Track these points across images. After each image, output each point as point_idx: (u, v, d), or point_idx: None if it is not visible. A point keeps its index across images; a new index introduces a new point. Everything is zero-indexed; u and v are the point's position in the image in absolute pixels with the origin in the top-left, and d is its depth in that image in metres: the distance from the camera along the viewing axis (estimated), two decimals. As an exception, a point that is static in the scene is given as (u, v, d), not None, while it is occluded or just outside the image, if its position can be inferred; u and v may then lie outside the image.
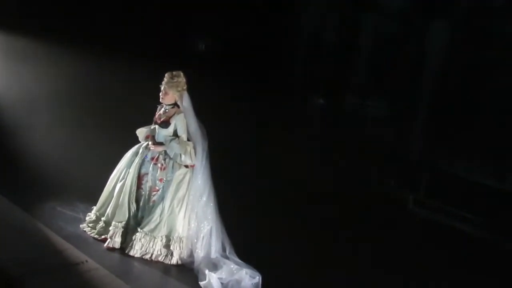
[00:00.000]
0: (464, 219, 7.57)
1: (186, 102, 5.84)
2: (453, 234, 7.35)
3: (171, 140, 5.82)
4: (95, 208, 6.11)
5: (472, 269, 6.25)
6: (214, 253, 5.74)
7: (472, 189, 7.73)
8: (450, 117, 7.97)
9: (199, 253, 5.71)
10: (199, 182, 5.80)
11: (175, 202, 5.79)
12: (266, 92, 8.29)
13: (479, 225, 7.43)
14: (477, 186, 7.75)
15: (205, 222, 5.78)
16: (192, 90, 5.88)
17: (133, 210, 5.87)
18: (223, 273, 5.52)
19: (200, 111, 5.88)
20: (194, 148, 5.82)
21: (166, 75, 5.85)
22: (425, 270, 6.24)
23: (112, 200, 5.92)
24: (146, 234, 5.73)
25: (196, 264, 5.67)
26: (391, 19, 8.60)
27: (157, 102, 5.99)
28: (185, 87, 5.85)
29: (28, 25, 8.12)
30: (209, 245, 5.75)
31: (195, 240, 5.76)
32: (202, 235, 5.76)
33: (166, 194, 5.78)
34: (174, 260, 5.74)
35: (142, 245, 5.72)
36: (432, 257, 6.47)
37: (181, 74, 5.86)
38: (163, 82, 5.86)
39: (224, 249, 5.79)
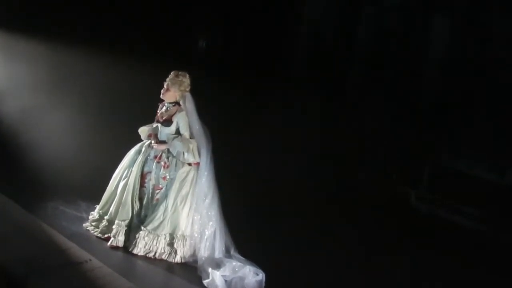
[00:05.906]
0: (466, 215, 7.60)
1: (189, 103, 5.84)
2: (454, 229, 7.38)
3: (173, 138, 5.81)
4: (98, 207, 6.09)
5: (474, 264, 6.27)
6: (218, 254, 5.73)
7: (474, 184, 7.76)
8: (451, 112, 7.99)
9: (203, 254, 5.70)
10: (204, 183, 5.78)
11: (179, 200, 5.78)
12: (270, 92, 8.28)
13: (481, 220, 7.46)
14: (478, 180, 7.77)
15: (209, 224, 5.77)
16: (196, 91, 5.88)
17: (136, 209, 5.86)
18: (226, 271, 5.52)
19: (204, 111, 5.88)
20: (198, 147, 5.81)
21: (171, 72, 5.87)
22: (428, 266, 6.26)
23: (115, 199, 5.91)
24: (149, 232, 5.72)
25: (199, 263, 5.66)
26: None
27: (159, 101, 5.99)
28: (188, 89, 5.86)
29: (29, 23, 8.10)
30: (212, 247, 5.74)
31: (199, 241, 5.75)
32: (205, 237, 5.74)
33: (170, 192, 5.77)
34: (177, 258, 5.74)
35: (146, 243, 5.71)
36: (433, 252, 6.50)
37: (187, 75, 5.87)
38: (167, 79, 5.87)
39: (228, 250, 5.78)
